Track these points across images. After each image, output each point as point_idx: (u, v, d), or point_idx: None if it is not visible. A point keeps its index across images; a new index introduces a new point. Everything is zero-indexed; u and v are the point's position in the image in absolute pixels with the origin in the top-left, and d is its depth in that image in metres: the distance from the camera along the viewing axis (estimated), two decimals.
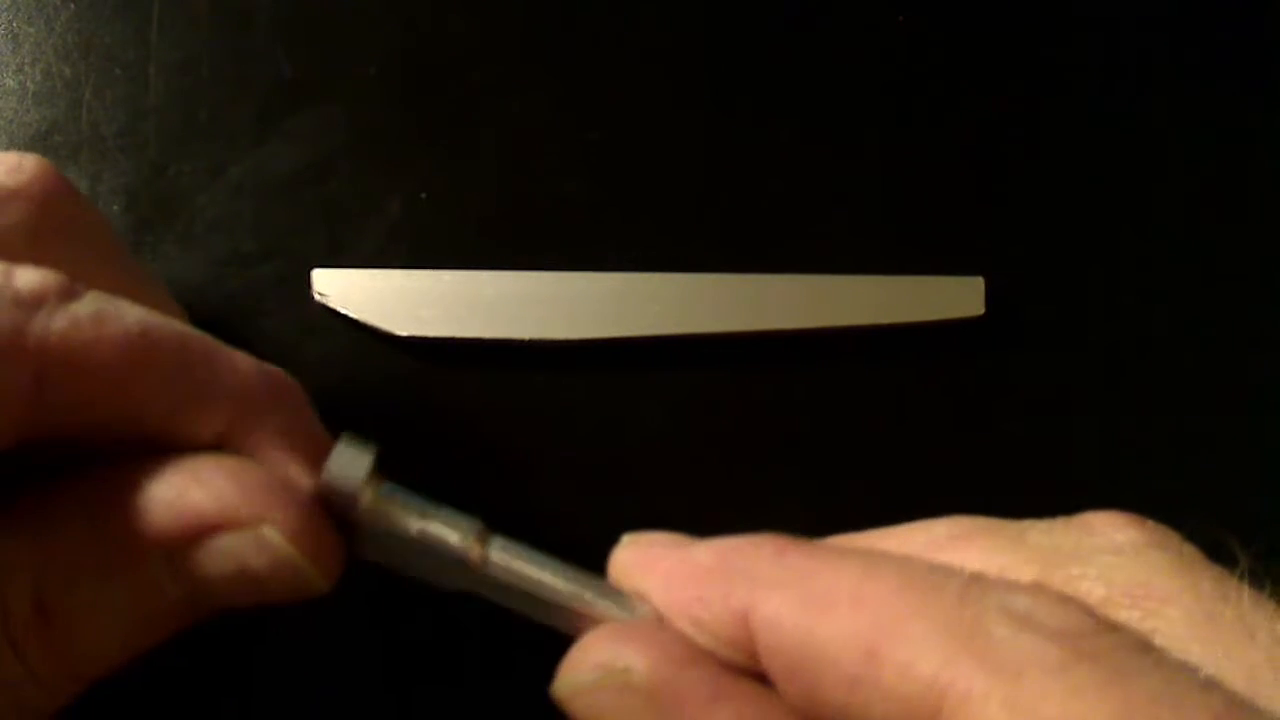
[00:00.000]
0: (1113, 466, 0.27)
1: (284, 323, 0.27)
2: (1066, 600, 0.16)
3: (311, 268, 0.27)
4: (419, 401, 0.26)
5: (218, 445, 0.20)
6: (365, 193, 0.27)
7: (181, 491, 0.19)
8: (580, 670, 0.18)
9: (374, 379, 0.27)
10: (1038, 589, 0.16)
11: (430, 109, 0.28)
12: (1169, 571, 0.18)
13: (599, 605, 0.20)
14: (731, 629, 0.17)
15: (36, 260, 0.19)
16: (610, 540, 0.26)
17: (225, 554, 0.19)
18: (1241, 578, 0.18)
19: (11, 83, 0.28)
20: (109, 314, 0.19)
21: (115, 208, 0.27)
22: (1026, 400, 0.27)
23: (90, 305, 0.19)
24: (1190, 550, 0.18)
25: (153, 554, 0.19)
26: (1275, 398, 0.27)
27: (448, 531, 0.20)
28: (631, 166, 0.28)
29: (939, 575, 0.16)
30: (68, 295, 0.19)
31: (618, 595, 0.20)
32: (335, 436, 0.21)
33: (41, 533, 0.19)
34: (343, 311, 0.26)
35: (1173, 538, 0.19)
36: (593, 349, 0.27)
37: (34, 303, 0.18)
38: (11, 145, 0.27)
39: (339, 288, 0.26)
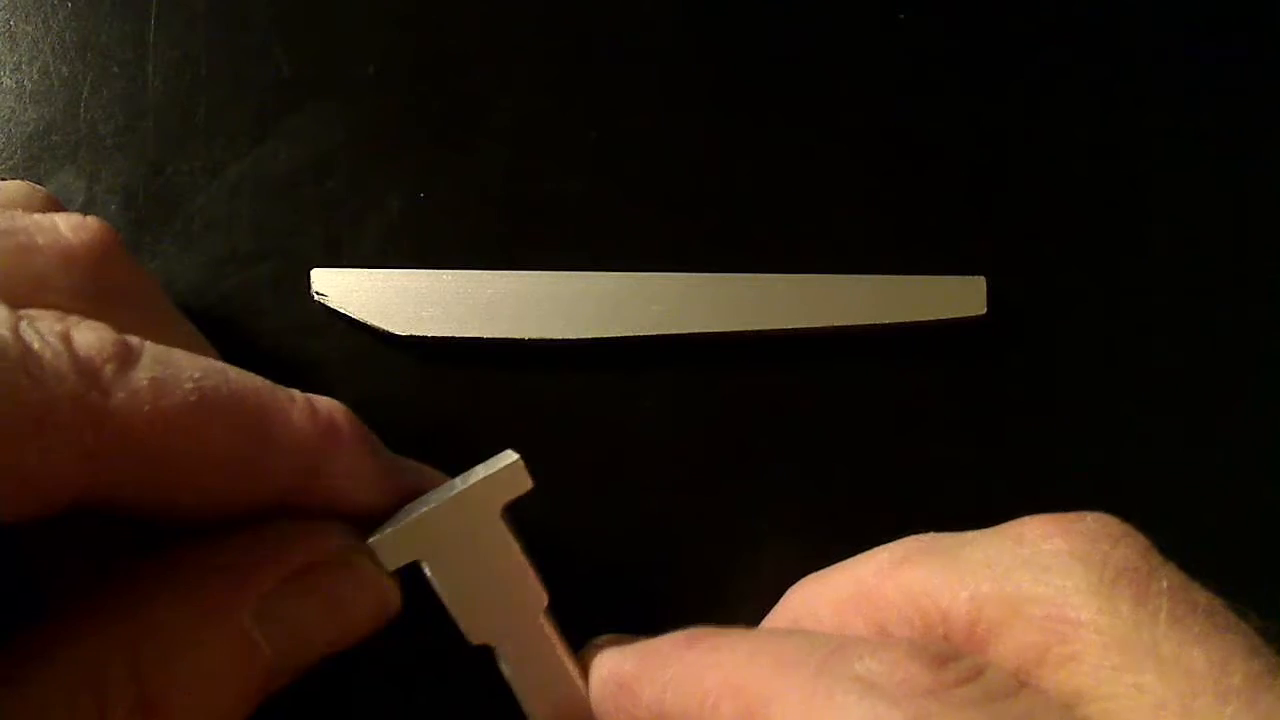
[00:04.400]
0: (1114, 466, 0.27)
1: (283, 323, 0.27)
2: (914, 658, 0.17)
3: (310, 267, 0.26)
4: (419, 401, 0.26)
5: (279, 505, 0.20)
6: (364, 192, 0.27)
7: (268, 541, 0.20)
8: None
9: (374, 379, 0.26)
10: (889, 649, 0.17)
11: (430, 109, 0.28)
12: (1087, 590, 0.17)
13: None
14: None
15: (95, 318, 0.19)
16: (609, 542, 0.26)
17: (316, 590, 0.20)
18: (1169, 594, 0.17)
19: (9, 81, 0.27)
20: (167, 382, 0.19)
21: (113, 207, 0.27)
22: (1027, 400, 0.27)
23: (148, 370, 0.18)
24: (1118, 560, 0.18)
25: (245, 611, 0.19)
26: (1277, 397, 0.27)
27: (537, 582, 0.22)
28: (631, 166, 0.28)
29: (808, 650, 0.18)
30: (126, 359, 0.18)
31: None
32: None
33: (132, 611, 0.19)
34: (343, 311, 0.26)
35: (1099, 547, 0.18)
36: (593, 349, 0.27)
37: (92, 370, 0.18)
38: (9, 144, 0.27)
39: (339, 287, 0.26)
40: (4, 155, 0.27)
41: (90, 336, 0.18)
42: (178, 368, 0.19)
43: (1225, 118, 0.29)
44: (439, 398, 0.26)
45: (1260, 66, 0.29)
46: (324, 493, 0.21)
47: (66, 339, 0.18)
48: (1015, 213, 0.28)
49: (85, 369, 0.18)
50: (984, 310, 0.27)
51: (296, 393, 0.21)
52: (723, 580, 0.26)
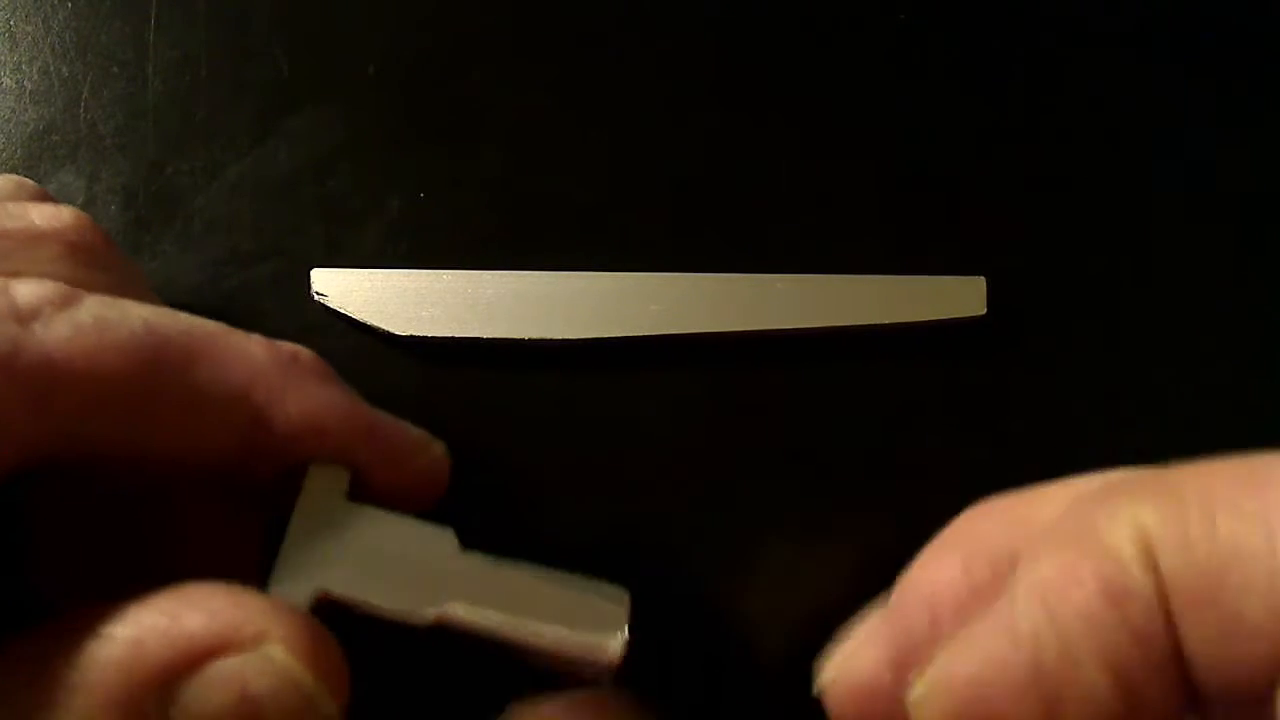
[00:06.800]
0: (1114, 466, 0.27)
1: (283, 323, 0.27)
2: None
3: (310, 267, 0.26)
4: (419, 401, 0.26)
5: (246, 440, 0.20)
6: (364, 192, 0.27)
7: (172, 615, 0.17)
8: None
9: (374, 379, 0.26)
10: None
11: (430, 109, 0.28)
12: None
13: (566, 642, 0.20)
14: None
15: None
16: (608, 542, 0.26)
17: (224, 681, 0.17)
18: None
19: (9, 82, 0.28)
20: (112, 318, 0.18)
21: (113, 207, 0.27)
22: (1027, 400, 0.27)
23: (92, 310, 0.18)
24: None
25: (144, 693, 0.16)
26: (1278, 398, 0.27)
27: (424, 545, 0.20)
28: (631, 166, 0.28)
29: None
30: (68, 302, 0.18)
31: (584, 632, 0.20)
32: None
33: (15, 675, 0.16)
34: (343, 311, 0.26)
35: None
36: (593, 349, 0.27)
37: (32, 315, 0.18)
38: (8, 144, 0.27)
39: (339, 288, 0.26)
40: (4, 155, 0.27)
41: (32, 285, 0.18)
42: (125, 308, 0.19)
43: (1226, 117, 0.29)
44: (439, 398, 0.26)
45: (1260, 65, 0.29)
46: (290, 426, 0.20)
47: (6, 288, 0.18)
48: (1015, 213, 0.28)
49: (23, 314, 0.17)
50: (984, 310, 0.27)
51: (257, 334, 0.20)
52: (722, 581, 0.26)
